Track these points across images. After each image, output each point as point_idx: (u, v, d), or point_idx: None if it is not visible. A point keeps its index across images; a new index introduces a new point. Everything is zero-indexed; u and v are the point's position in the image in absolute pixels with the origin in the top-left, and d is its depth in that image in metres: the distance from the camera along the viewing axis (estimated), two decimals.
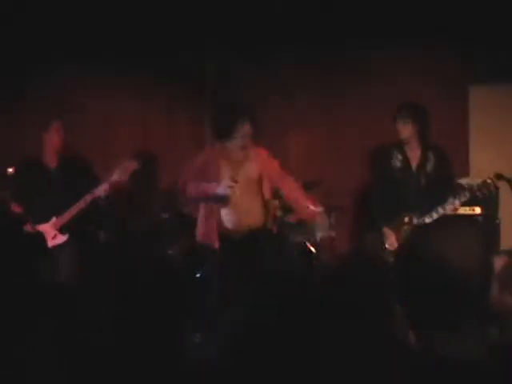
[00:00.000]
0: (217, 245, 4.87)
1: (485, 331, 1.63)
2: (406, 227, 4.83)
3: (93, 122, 6.56)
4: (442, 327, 1.59)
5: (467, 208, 5.50)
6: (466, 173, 6.25)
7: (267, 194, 5.07)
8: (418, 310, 1.62)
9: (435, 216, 4.72)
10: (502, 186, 4.94)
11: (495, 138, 6.54)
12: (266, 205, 5.05)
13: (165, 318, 2.10)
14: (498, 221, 5.82)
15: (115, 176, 5.19)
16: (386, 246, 4.87)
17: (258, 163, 5.03)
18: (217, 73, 6.95)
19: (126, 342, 2.01)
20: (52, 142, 5.30)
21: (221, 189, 4.79)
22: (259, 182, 5.04)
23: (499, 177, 4.66)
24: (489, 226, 5.66)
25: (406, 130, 4.96)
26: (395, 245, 4.78)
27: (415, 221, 4.81)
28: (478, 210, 5.62)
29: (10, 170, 5.87)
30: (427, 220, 4.71)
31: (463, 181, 5.58)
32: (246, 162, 5.00)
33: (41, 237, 5.19)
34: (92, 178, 5.37)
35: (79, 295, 2.19)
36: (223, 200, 4.83)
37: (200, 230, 5.06)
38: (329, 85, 6.86)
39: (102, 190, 5.18)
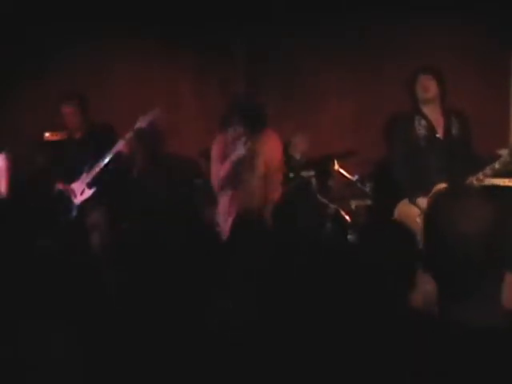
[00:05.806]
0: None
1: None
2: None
3: (121, 86, 6.56)
4: (466, 294, 1.56)
5: (506, 180, 5.36)
6: (506, 141, 6.11)
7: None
8: (445, 277, 1.56)
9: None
10: None
11: None
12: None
13: (192, 283, 2.09)
14: None
15: (137, 124, 5.15)
16: (417, 220, 4.66)
17: (267, 148, 4.85)
18: (247, 38, 6.88)
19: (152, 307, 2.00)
20: (69, 122, 5.33)
21: (238, 151, 4.70)
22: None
23: None
24: None
25: (432, 88, 4.59)
26: None
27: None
28: None
29: (47, 134, 6.05)
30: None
31: (503, 152, 5.41)
32: (259, 153, 4.82)
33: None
34: (114, 138, 5.34)
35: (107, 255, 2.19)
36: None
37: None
38: (365, 57, 6.78)
39: (121, 144, 5.13)
